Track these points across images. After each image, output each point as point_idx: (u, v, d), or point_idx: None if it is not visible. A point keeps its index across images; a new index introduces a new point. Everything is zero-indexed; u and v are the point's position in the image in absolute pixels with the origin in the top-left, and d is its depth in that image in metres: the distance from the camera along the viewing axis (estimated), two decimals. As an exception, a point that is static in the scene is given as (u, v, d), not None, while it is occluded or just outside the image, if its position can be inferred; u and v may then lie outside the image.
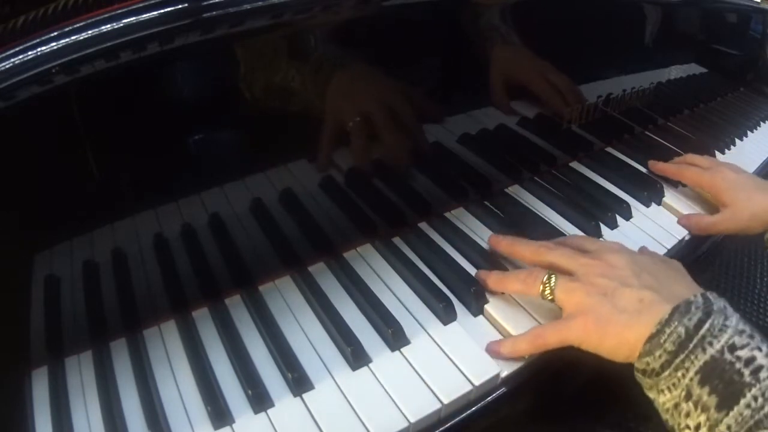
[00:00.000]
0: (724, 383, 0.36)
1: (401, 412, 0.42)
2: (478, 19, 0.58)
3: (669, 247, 0.62)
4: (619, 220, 0.64)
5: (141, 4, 0.37)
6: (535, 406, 0.51)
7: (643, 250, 0.55)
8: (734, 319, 0.39)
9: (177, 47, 0.40)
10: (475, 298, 0.51)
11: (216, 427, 0.41)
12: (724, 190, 0.64)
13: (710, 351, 0.37)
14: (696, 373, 0.37)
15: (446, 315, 0.50)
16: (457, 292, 0.53)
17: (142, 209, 0.45)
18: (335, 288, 0.53)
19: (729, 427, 0.35)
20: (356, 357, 0.46)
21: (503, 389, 0.47)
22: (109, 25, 0.36)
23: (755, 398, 0.35)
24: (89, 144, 0.40)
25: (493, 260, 0.56)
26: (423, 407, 0.43)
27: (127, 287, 0.47)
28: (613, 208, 0.65)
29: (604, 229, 0.62)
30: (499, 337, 0.49)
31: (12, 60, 0.35)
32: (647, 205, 0.68)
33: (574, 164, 0.75)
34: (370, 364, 0.46)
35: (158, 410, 0.42)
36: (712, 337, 0.37)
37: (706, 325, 0.38)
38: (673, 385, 0.38)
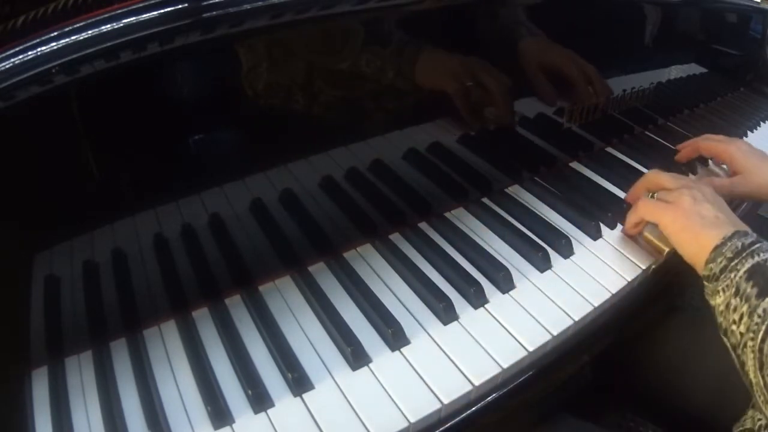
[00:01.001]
0: (764, 279, 0.46)
1: (401, 412, 0.42)
2: (494, 18, 0.59)
3: (669, 247, 0.62)
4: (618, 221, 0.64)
5: (141, 4, 0.37)
6: (535, 406, 0.51)
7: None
8: None
9: (177, 47, 0.40)
10: (475, 297, 0.51)
11: (216, 427, 0.41)
12: (739, 159, 0.71)
13: (757, 258, 0.47)
14: (745, 272, 0.47)
15: (446, 315, 0.50)
16: (456, 292, 0.53)
17: (142, 209, 0.45)
18: (335, 288, 0.53)
19: (765, 310, 0.44)
20: (356, 357, 0.46)
21: (503, 389, 0.47)
22: (109, 25, 0.36)
23: None
24: (89, 144, 0.40)
25: (490, 258, 0.56)
26: (423, 407, 0.43)
27: (127, 287, 0.47)
28: (612, 209, 0.65)
29: (604, 229, 0.62)
30: (499, 336, 0.49)
31: (12, 60, 0.35)
32: (647, 205, 0.68)
33: (574, 164, 0.75)
34: (370, 364, 0.46)
35: (158, 410, 0.42)
36: (760, 251, 0.48)
37: (757, 245, 0.48)
38: (727, 286, 0.47)
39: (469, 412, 0.45)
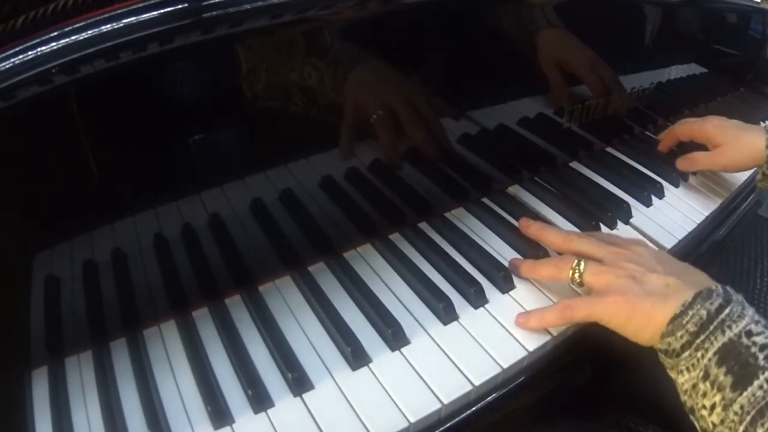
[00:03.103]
0: (739, 365, 0.38)
1: (401, 412, 0.42)
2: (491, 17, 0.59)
3: (669, 246, 0.62)
4: (619, 220, 0.64)
5: (141, 4, 0.37)
6: (535, 406, 0.51)
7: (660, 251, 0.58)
8: (751, 311, 0.41)
9: (177, 47, 0.40)
10: (475, 297, 0.51)
11: (216, 427, 0.41)
12: (715, 134, 0.70)
13: (729, 334, 0.39)
14: (714, 353, 0.39)
15: (446, 315, 0.50)
16: (457, 292, 0.53)
17: (142, 209, 0.45)
18: (335, 288, 0.53)
19: (742, 407, 0.37)
20: (356, 357, 0.46)
21: (503, 389, 0.47)
22: (109, 25, 0.36)
23: None
24: (89, 144, 0.40)
25: (490, 258, 0.56)
26: (423, 407, 0.43)
27: (127, 287, 0.47)
28: (612, 208, 0.65)
29: (604, 229, 0.62)
30: (499, 336, 0.49)
31: (12, 60, 0.35)
32: (647, 205, 0.68)
33: (574, 164, 0.75)
34: (370, 364, 0.46)
35: (158, 410, 0.42)
36: (731, 321, 0.40)
37: (726, 311, 0.40)
38: (693, 365, 0.40)
39: (469, 412, 0.45)
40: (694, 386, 0.40)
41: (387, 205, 0.59)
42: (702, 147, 0.74)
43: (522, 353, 0.47)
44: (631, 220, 0.65)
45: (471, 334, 0.49)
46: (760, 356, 0.38)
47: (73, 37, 0.36)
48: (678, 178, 0.74)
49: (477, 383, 0.44)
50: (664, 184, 0.72)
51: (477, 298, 0.51)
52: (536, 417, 0.53)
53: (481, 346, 0.48)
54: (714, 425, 0.39)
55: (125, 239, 0.45)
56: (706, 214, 0.69)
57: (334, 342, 0.48)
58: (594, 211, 0.64)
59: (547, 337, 0.49)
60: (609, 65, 0.73)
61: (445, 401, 0.43)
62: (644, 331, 0.44)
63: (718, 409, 0.38)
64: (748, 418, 0.36)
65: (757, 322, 0.40)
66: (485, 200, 0.65)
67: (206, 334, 0.49)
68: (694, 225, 0.67)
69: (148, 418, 0.42)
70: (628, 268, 0.47)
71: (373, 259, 0.57)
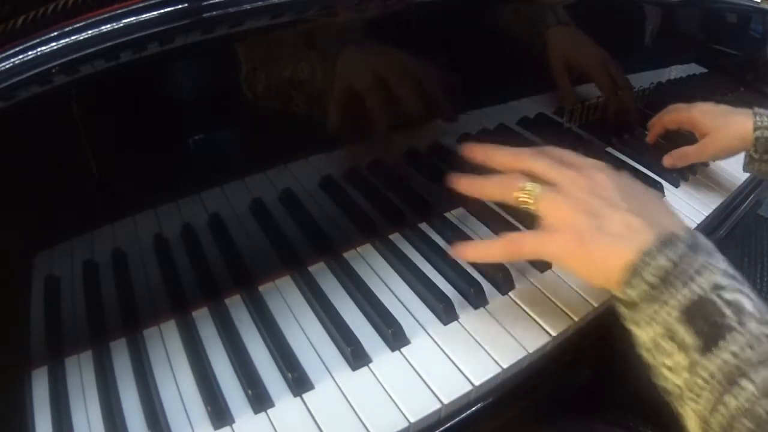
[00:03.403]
0: (708, 325, 0.33)
1: (401, 412, 0.42)
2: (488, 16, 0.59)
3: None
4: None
5: (141, 4, 0.37)
6: (535, 405, 0.51)
7: (622, 172, 0.48)
8: (721, 261, 0.36)
9: (177, 47, 0.40)
10: (475, 297, 0.51)
11: (216, 427, 0.41)
12: (702, 121, 0.69)
13: (694, 288, 0.34)
14: (677, 309, 0.34)
15: (446, 315, 0.50)
16: (457, 292, 0.53)
17: (142, 209, 0.45)
18: (335, 288, 0.53)
19: (711, 373, 0.33)
20: (356, 357, 0.46)
21: (503, 389, 0.47)
22: (109, 25, 0.36)
23: (741, 347, 0.32)
24: (89, 144, 0.40)
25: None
26: (423, 407, 0.43)
27: (127, 287, 0.47)
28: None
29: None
30: (499, 336, 0.49)
31: (12, 60, 0.35)
32: (647, 205, 0.68)
33: (574, 164, 0.75)
34: (370, 364, 0.46)
35: (158, 410, 0.42)
36: (696, 273, 0.35)
37: (691, 261, 0.35)
38: (653, 319, 0.36)
39: (469, 412, 0.45)
40: (655, 342, 0.36)
41: (387, 205, 0.59)
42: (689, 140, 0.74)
43: (522, 353, 0.47)
44: (631, 220, 0.65)
45: (471, 334, 0.49)
46: (732, 317, 0.33)
47: (73, 37, 0.36)
48: (678, 179, 0.74)
49: (477, 383, 0.44)
50: (664, 184, 0.72)
51: (477, 298, 0.51)
52: (536, 417, 0.53)
53: (481, 346, 0.48)
54: (679, 388, 0.35)
55: (125, 239, 0.45)
56: (706, 214, 0.69)
57: (334, 342, 0.48)
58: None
59: (548, 338, 0.49)
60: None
61: (445, 401, 0.43)
62: (597, 274, 0.40)
63: (684, 372, 0.34)
64: (719, 386, 0.32)
65: (726, 274, 0.35)
66: (485, 200, 0.65)
67: (206, 334, 0.49)
68: (694, 225, 0.67)
69: (148, 418, 0.42)
70: (585, 201, 0.41)
71: (373, 259, 0.57)
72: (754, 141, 0.65)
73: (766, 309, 0.34)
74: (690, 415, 0.35)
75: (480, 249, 0.45)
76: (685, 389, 0.34)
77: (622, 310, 0.39)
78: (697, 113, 0.71)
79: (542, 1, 0.62)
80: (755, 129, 0.65)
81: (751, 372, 0.32)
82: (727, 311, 0.33)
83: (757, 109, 0.67)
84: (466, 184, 0.48)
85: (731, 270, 0.36)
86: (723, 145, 0.68)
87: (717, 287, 0.34)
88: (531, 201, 0.43)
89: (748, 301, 0.34)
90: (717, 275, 0.35)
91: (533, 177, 0.44)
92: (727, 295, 0.34)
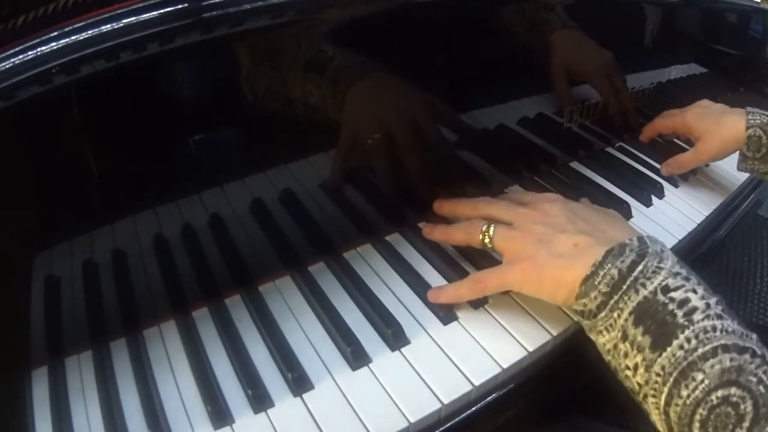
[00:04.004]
0: (657, 324, 0.36)
1: (401, 412, 0.42)
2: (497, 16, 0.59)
3: (669, 246, 0.62)
4: (619, 220, 0.64)
5: (141, 4, 0.37)
6: (535, 405, 0.51)
7: (582, 200, 0.56)
8: (669, 262, 0.39)
9: (177, 47, 0.40)
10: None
11: (216, 427, 0.41)
12: (695, 125, 0.70)
13: (643, 292, 0.37)
14: (630, 313, 0.37)
15: (446, 315, 0.50)
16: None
17: (142, 209, 0.45)
18: (335, 288, 0.53)
19: (663, 368, 0.35)
20: (356, 357, 0.46)
21: (503, 389, 0.47)
22: (109, 25, 0.36)
23: (688, 340, 0.35)
24: (89, 144, 0.40)
25: (490, 258, 0.56)
26: (423, 407, 0.43)
27: (127, 287, 0.47)
28: (612, 208, 0.64)
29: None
30: (499, 336, 0.49)
31: (12, 60, 0.35)
32: (647, 205, 0.68)
33: (574, 164, 0.75)
34: (370, 364, 0.46)
35: (158, 410, 0.42)
36: (645, 278, 0.38)
37: (639, 267, 0.38)
38: (610, 326, 0.39)
39: (469, 412, 0.45)
40: (615, 346, 0.39)
41: (387, 206, 0.59)
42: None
43: (522, 353, 0.47)
44: (631, 220, 0.65)
45: (471, 334, 0.49)
46: (679, 313, 0.36)
47: (73, 37, 0.36)
48: (677, 179, 0.74)
49: (477, 383, 0.44)
50: (664, 184, 0.72)
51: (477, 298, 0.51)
52: (536, 417, 0.53)
53: (481, 346, 0.48)
54: (639, 386, 0.37)
55: (125, 239, 0.45)
56: (706, 214, 0.69)
57: (334, 342, 0.48)
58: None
59: (548, 337, 0.49)
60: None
61: (445, 401, 0.43)
62: (558, 294, 0.43)
63: (641, 370, 0.37)
64: (671, 379, 0.35)
65: (676, 275, 0.38)
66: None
67: (206, 334, 0.49)
68: (694, 225, 0.67)
69: (148, 418, 0.42)
70: (536, 232, 0.46)
71: (373, 259, 0.57)
72: (747, 139, 0.66)
73: (714, 300, 0.37)
74: (652, 410, 0.37)
75: (450, 293, 0.49)
76: (644, 386, 0.37)
77: (584, 323, 0.42)
78: (689, 117, 0.72)
79: (542, 0, 0.62)
80: (747, 127, 0.66)
81: (701, 363, 0.34)
82: (675, 309, 0.36)
83: (749, 108, 0.68)
84: (437, 234, 0.54)
85: (679, 268, 0.39)
86: (717, 147, 0.69)
87: (665, 289, 0.37)
88: (490, 242, 0.48)
89: (695, 296, 0.37)
90: (665, 277, 0.38)
91: (494, 221, 0.49)
92: (675, 294, 0.37)
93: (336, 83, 0.47)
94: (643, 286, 0.38)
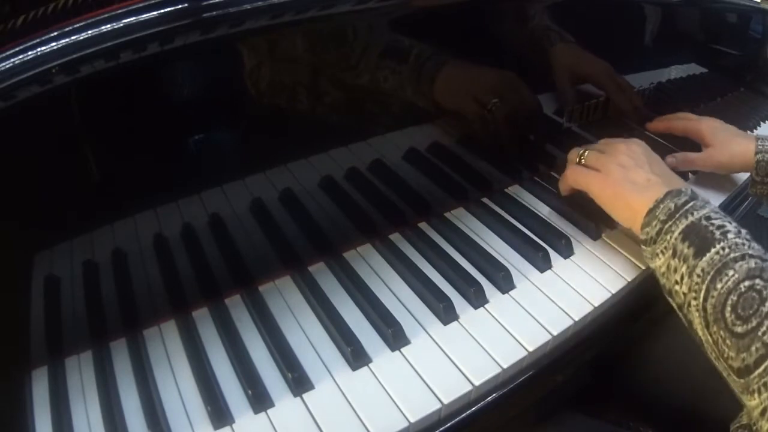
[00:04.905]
0: (699, 239, 0.46)
1: (401, 412, 0.42)
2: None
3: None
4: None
5: (141, 4, 0.37)
6: (535, 405, 0.51)
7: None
8: (713, 206, 0.49)
9: (177, 47, 0.40)
10: (475, 297, 0.51)
11: (216, 427, 0.41)
12: (708, 134, 0.73)
13: (690, 218, 0.47)
14: (680, 233, 0.47)
15: (446, 315, 0.50)
16: (457, 292, 0.53)
17: (142, 209, 0.45)
18: (335, 288, 0.53)
19: (703, 270, 0.44)
20: (356, 357, 0.46)
21: (503, 389, 0.47)
22: (109, 25, 0.36)
23: (723, 248, 0.44)
24: (89, 144, 0.40)
25: (490, 258, 0.56)
26: (423, 407, 0.43)
27: (127, 287, 0.47)
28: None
29: (603, 228, 0.62)
30: (498, 335, 0.49)
31: (12, 60, 0.35)
32: (647, 205, 0.68)
33: (574, 164, 0.75)
34: (370, 364, 0.46)
35: (158, 410, 0.42)
36: (693, 210, 0.48)
37: (690, 204, 0.49)
38: (665, 248, 0.48)
39: (469, 412, 0.45)
40: (668, 266, 0.47)
41: (387, 205, 0.59)
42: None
43: (522, 353, 0.47)
44: (631, 220, 0.65)
45: (471, 334, 0.49)
46: (717, 233, 0.45)
47: (73, 37, 0.36)
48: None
49: (477, 383, 0.44)
50: (664, 184, 0.72)
51: (477, 298, 0.51)
52: (536, 417, 0.53)
53: (481, 346, 0.48)
54: (684, 294, 0.46)
55: (125, 239, 0.45)
56: (706, 214, 0.69)
57: (334, 342, 0.48)
58: (594, 211, 0.64)
59: (548, 337, 0.49)
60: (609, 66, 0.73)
61: (445, 401, 0.43)
62: (623, 212, 0.54)
63: (686, 278, 0.45)
64: (708, 277, 0.44)
65: (716, 212, 0.48)
66: (485, 200, 0.65)
67: (206, 334, 0.49)
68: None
69: (148, 418, 0.42)
70: (621, 159, 0.56)
71: (373, 259, 0.57)
72: (755, 164, 0.68)
73: (744, 231, 0.46)
74: (694, 314, 0.45)
75: (561, 180, 0.63)
76: (688, 293, 0.45)
77: (646, 250, 0.51)
78: (704, 126, 0.73)
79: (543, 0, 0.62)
80: (756, 153, 0.68)
81: (732, 263, 0.43)
82: (714, 230, 0.46)
83: (759, 135, 0.71)
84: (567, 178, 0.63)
85: (720, 212, 0.49)
86: (725, 161, 0.71)
87: (707, 218, 0.47)
88: (584, 157, 0.60)
89: (730, 225, 0.47)
90: (708, 211, 0.48)
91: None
92: (714, 221, 0.47)
93: (420, 72, 0.54)
94: (691, 214, 0.47)
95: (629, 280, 0.56)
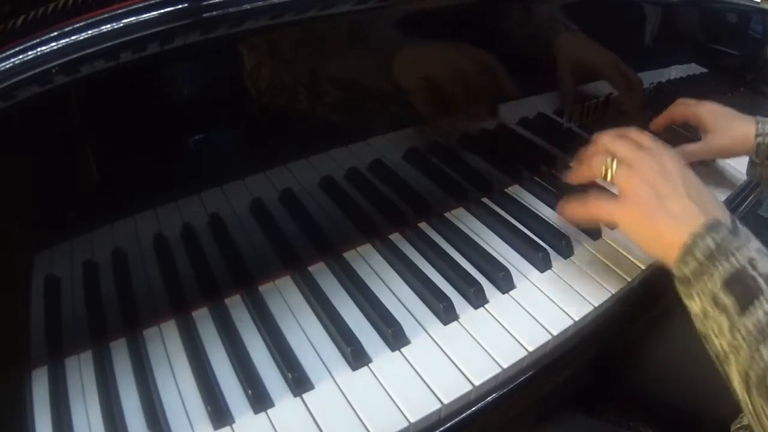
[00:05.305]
0: (743, 290, 0.40)
1: (401, 412, 0.42)
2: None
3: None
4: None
5: (141, 4, 0.37)
6: (535, 405, 0.51)
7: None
8: (754, 241, 0.44)
9: (177, 47, 0.40)
10: (475, 297, 0.51)
11: (216, 427, 0.41)
12: (708, 119, 0.71)
13: (733, 262, 0.41)
14: (720, 280, 0.41)
15: (446, 315, 0.50)
16: (457, 292, 0.53)
17: (142, 209, 0.45)
18: (335, 288, 0.53)
19: (747, 331, 0.39)
20: (356, 357, 0.46)
21: (503, 389, 0.47)
22: (109, 25, 0.36)
23: None
24: (89, 144, 0.40)
25: (490, 258, 0.56)
26: (423, 407, 0.43)
27: (127, 287, 0.47)
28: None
29: (604, 228, 0.62)
30: (498, 335, 0.49)
31: (12, 60, 0.35)
32: (647, 205, 0.68)
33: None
34: (370, 364, 0.46)
35: (158, 410, 0.42)
36: (736, 251, 0.42)
37: (732, 241, 0.42)
38: (702, 291, 0.42)
39: (469, 412, 0.45)
40: (705, 313, 0.42)
41: (387, 205, 0.59)
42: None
43: (522, 353, 0.47)
44: (631, 220, 0.65)
45: (471, 334, 0.49)
46: (763, 283, 0.40)
47: (73, 37, 0.36)
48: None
49: (477, 383, 0.44)
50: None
51: (477, 298, 0.51)
52: (536, 417, 0.53)
53: (481, 346, 0.48)
54: (723, 349, 0.41)
55: (125, 239, 0.45)
56: (706, 214, 0.69)
57: (334, 342, 0.48)
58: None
59: (548, 337, 0.49)
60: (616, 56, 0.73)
61: (445, 401, 0.43)
62: (655, 245, 0.47)
63: (726, 334, 0.40)
64: (754, 340, 0.39)
65: (759, 251, 0.42)
66: (485, 200, 0.65)
67: (206, 334, 0.49)
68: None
69: (148, 418, 0.42)
70: (656, 182, 0.48)
71: (373, 259, 0.57)
72: (756, 147, 0.67)
73: None
74: (734, 373, 0.40)
75: (570, 209, 0.54)
76: (728, 349, 0.40)
77: (680, 288, 0.45)
78: (703, 111, 0.73)
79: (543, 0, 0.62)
80: (757, 135, 0.67)
81: None
82: (759, 279, 0.40)
83: (759, 117, 0.69)
84: (573, 176, 0.57)
85: (762, 247, 0.43)
86: (726, 145, 0.70)
87: (751, 261, 0.41)
88: (610, 176, 0.51)
89: None
90: (752, 252, 0.42)
91: (616, 156, 0.52)
92: (760, 267, 0.41)
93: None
94: (734, 256, 0.42)
95: (629, 280, 0.56)
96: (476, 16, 0.56)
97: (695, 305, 0.43)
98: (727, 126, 0.70)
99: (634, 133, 0.55)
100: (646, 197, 0.48)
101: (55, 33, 0.36)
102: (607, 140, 0.54)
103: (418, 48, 0.55)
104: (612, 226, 0.56)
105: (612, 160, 0.51)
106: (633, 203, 0.49)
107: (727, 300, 0.40)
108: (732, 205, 0.75)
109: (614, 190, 0.51)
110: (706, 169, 0.78)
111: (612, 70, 0.73)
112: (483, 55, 0.59)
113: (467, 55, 0.58)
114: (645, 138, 0.55)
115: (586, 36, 0.68)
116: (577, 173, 0.56)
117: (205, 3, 0.39)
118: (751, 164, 0.69)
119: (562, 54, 0.65)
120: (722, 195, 0.74)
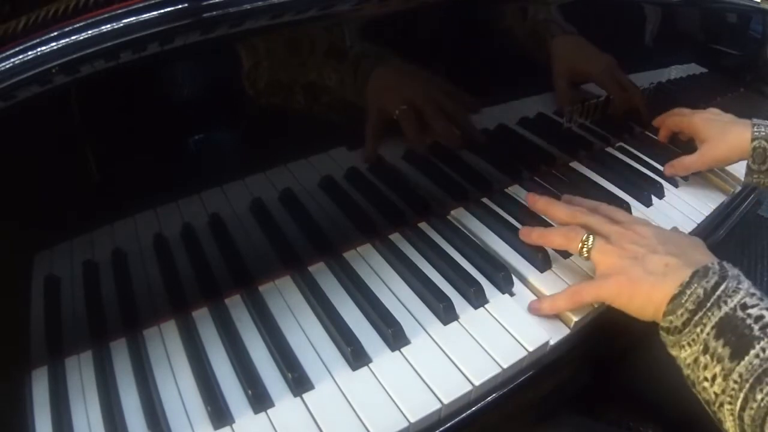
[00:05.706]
0: (736, 336, 0.40)
1: (401, 412, 0.42)
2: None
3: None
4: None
5: (141, 4, 0.37)
6: (535, 405, 0.51)
7: (672, 228, 0.59)
8: (746, 284, 0.43)
9: (177, 47, 0.40)
10: (475, 297, 0.51)
11: (216, 427, 0.41)
12: (702, 129, 0.71)
13: (724, 308, 0.41)
14: (712, 328, 0.41)
15: (446, 315, 0.50)
16: (457, 292, 0.53)
17: (142, 209, 0.45)
18: (335, 288, 0.53)
19: (740, 375, 0.39)
20: (356, 357, 0.46)
21: (503, 389, 0.47)
22: (109, 25, 0.36)
23: (763, 350, 0.39)
24: (89, 144, 0.40)
25: (490, 258, 0.56)
26: (423, 407, 0.43)
27: (127, 287, 0.47)
28: (613, 208, 0.65)
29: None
30: (498, 335, 0.49)
31: (12, 60, 0.35)
32: (647, 205, 0.68)
33: (574, 164, 0.75)
34: (370, 364, 0.46)
35: (158, 410, 0.42)
36: (726, 296, 0.41)
37: (722, 287, 0.42)
38: (693, 340, 0.42)
39: (469, 412, 0.45)
40: (696, 360, 0.42)
41: (387, 205, 0.59)
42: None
43: (522, 353, 0.47)
44: (631, 220, 0.65)
45: (471, 334, 0.49)
46: (755, 327, 0.40)
47: (73, 37, 0.36)
48: (678, 179, 0.74)
49: (477, 383, 0.44)
50: (664, 184, 0.72)
51: (477, 298, 0.51)
52: (536, 417, 0.53)
53: (481, 346, 0.48)
54: (716, 395, 0.40)
55: (125, 239, 0.45)
56: (706, 214, 0.69)
57: (334, 342, 0.48)
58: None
59: (547, 337, 0.49)
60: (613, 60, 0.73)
61: (445, 401, 0.43)
62: (646, 309, 0.46)
63: (719, 380, 0.40)
64: (747, 385, 0.38)
65: (752, 295, 0.42)
66: (485, 200, 0.65)
67: (206, 334, 0.49)
68: (694, 225, 0.67)
69: (148, 418, 0.42)
70: (631, 250, 0.49)
71: (373, 259, 0.57)
72: (752, 152, 0.67)
73: None
74: (727, 417, 0.40)
75: (547, 306, 0.51)
76: (721, 395, 0.40)
77: (667, 339, 0.45)
78: (697, 120, 0.73)
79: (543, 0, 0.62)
80: (753, 140, 0.66)
81: None
82: (753, 324, 0.40)
83: (755, 120, 0.68)
84: (534, 235, 0.56)
85: (754, 290, 0.43)
86: (721, 154, 0.70)
87: (744, 306, 0.41)
88: (588, 252, 0.51)
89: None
90: (743, 296, 0.42)
91: (591, 231, 0.52)
92: (752, 311, 0.40)
93: (356, 68, 0.50)
94: (725, 303, 0.41)
95: (629, 280, 0.55)
96: (476, 16, 0.56)
97: (684, 353, 0.43)
98: (722, 133, 0.70)
99: (605, 208, 0.57)
100: (626, 266, 0.48)
101: (55, 33, 0.36)
102: (580, 215, 0.55)
103: (418, 48, 0.55)
104: (542, 265, 0.56)
105: (587, 237, 0.51)
106: (613, 277, 0.49)
107: (721, 348, 0.40)
108: (732, 205, 0.75)
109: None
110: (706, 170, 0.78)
111: (604, 76, 0.73)
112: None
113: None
114: (617, 212, 0.56)
115: (583, 38, 0.68)
116: (549, 239, 0.55)
117: (205, 3, 0.39)
118: (749, 170, 0.68)
119: (555, 58, 0.66)
120: (722, 195, 0.74)
